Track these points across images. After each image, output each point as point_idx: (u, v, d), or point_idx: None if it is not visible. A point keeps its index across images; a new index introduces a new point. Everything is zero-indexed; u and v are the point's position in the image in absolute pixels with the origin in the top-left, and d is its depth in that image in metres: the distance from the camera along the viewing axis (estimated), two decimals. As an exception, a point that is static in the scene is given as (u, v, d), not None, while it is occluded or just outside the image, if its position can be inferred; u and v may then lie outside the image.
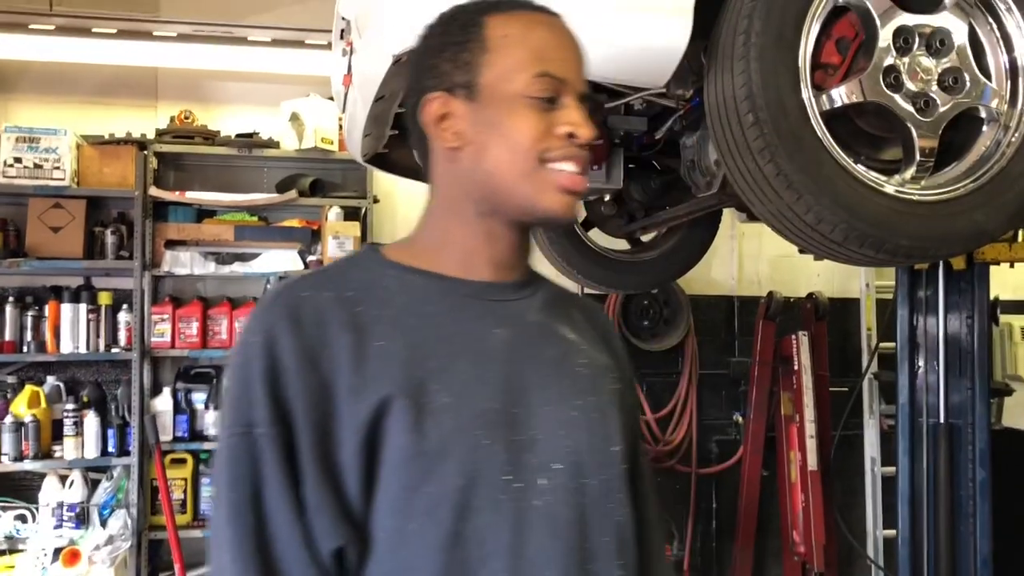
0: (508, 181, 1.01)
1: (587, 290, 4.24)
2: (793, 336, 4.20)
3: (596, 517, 1.00)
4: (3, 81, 3.89)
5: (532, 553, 0.94)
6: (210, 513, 0.96)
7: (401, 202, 4.33)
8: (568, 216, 1.04)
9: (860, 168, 1.51)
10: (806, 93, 1.47)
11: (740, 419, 4.50)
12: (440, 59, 1.03)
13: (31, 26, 3.76)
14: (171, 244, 3.91)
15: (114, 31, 3.83)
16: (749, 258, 4.69)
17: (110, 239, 3.86)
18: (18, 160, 3.74)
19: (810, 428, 4.08)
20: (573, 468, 0.99)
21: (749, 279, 4.69)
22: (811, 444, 4.07)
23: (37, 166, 3.73)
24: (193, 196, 3.95)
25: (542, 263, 3.05)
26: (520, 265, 1.10)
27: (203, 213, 4.03)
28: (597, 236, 2.85)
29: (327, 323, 0.96)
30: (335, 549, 0.92)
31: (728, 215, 3.02)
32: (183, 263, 3.92)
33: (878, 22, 1.53)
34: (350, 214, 4.11)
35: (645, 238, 2.97)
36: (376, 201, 4.17)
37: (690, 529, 4.47)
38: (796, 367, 4.16)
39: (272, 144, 4.03)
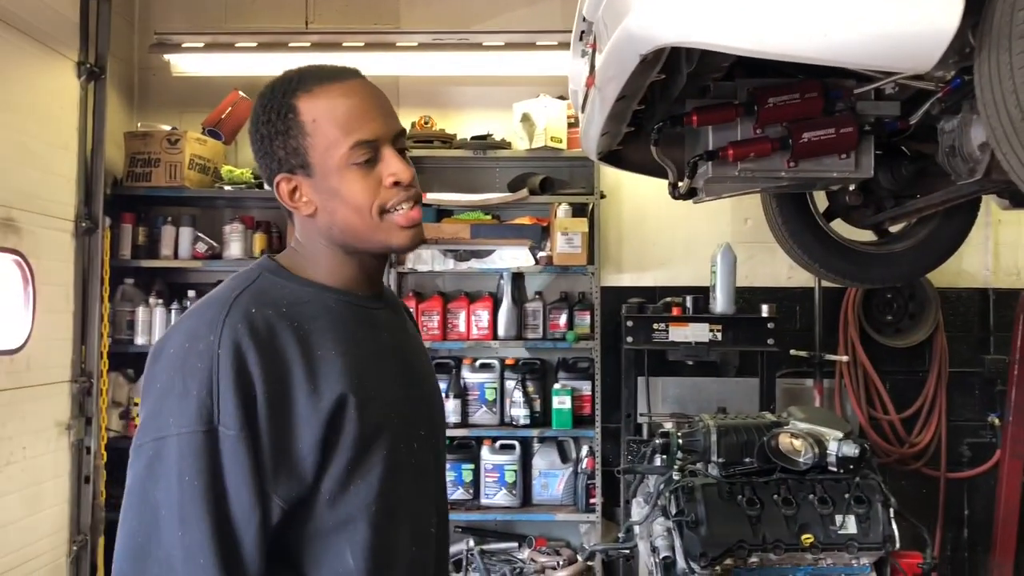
0: (362, 234, 1.27)
1: (825, 283, 4.10)
2: (1060, 332, 3.85)
3: (441, 462, 1.45)
4: (266, 96, 4.26)
5: (418, 493, 1.31)
6: (140, 492, 1.13)
7: (627, 196, 4.37)
8: (417, 242, 1.31)
9: None
10: (1099, 70, 1.34)
11: (996, 421, 4.18)
12: (274, 147, 1.25)
13: (290, 44, 4.13)
14: (413, 242, 4.16)
15: (362, 44, 4.12)
16: (1006, 247, 4.34)
17: (357, 239, 4.18)
18: (279, 168, 4.12)
19: (1081, 433, 3.73)
20: (430, 430, 1.36)
21: (1007, 270, 4.35)
22: (1083, 451, 3.71)
23: (295, 173, 4.08)
24: (433, 197, 4.17)
25: (777, 252, 2.97)
26: (380, 280, 1.40)
27: (442, 213, 4.25)
28: (841, 227, 2.72)
29: (278, 337, 1.17)
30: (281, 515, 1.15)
31: (984, 201, 2.81)
32: (424, 260, 4.16)
33: None
34: (577, 210, 4.18)
35: (893, 229, 2.81)
36: (603, 196, 4.22)
37: (939, 537, 4.20)
38: (1064, 366, 3.80)
39: (504, 145, 4.19)
